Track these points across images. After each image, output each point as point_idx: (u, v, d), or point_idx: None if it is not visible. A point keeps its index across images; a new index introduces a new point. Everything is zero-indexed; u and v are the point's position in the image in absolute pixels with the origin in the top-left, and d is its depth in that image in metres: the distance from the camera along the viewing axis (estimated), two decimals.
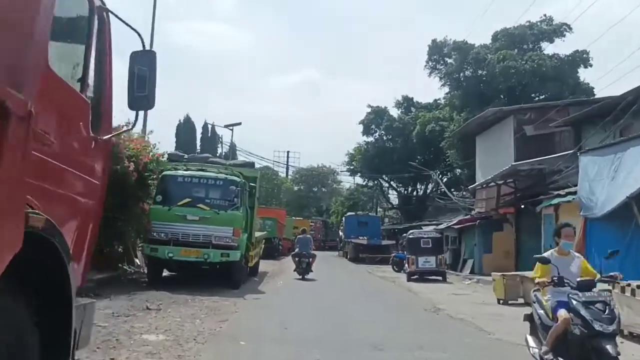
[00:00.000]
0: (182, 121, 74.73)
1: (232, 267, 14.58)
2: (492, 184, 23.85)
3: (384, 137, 45.17)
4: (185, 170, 15.08)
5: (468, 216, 28.88)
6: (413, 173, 40.89)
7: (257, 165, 78.58)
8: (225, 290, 14.21)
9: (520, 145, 23.67)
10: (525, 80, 30.58)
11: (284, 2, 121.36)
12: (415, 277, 21.08)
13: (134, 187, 14.14)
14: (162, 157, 16.17)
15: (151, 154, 15.36)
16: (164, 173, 14.87)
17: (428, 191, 47.01)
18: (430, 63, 35.73)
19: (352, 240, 37.72)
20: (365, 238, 38.12)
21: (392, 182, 46.39)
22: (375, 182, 48.06)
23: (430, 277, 21.28)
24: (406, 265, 21.47)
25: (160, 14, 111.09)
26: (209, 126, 73.79)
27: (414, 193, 48.25)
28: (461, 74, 33.93)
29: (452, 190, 36.47)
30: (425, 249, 21.09)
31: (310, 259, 20.35)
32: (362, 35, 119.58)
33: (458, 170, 36.36)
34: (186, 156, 16.11)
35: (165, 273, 15.93)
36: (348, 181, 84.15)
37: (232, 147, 74.42)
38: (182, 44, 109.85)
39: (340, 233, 48.61)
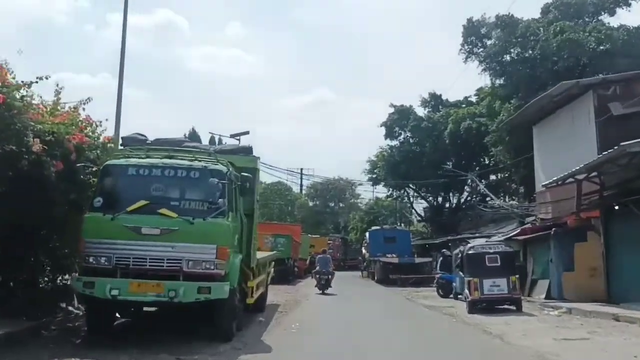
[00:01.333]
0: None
1: (217, 309, 9.15)
2: (568, 181, 18.22)
3: (410, 140, 39.70)
4: (142, 158, 9.70)
5: (528, 225, 23.21)
6: (447, 178, 35.29)
7: (269, 181, 73.18)
8: (208, 347, 8.84)
9: (605, 129, 18.07)
10: (588, 57, 25.01)
11: (292, 24, 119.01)
12: (480, 306, 15.45)
13: (57, 184, 8.86)
14: (111, 143, 10.88)
15: (92, 134, 10.07)
16: (107, 163, 9.51)
17: (462, 200, 41.25)
18: (465, 47, 30.30)
19: (379, 259, 32.06)
20: (394, 256, 32.49)
21: (421, 191, 40.62)
22: (402, 191, 42.40)
23: (500, 307, 15.63)
24: (466, 290, 15.79)
25: (174, 39, 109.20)
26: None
27: (446, 203, 42.50)
28: (505, 57, 28.45)
29: (500, 196, 30.76)
30: (492, 269, 15.44)
31: (330, 276, 23.40)
32: (376, 53, 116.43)
33: (505, 172, 30.63)
34: (150, 140, 10.80)
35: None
36: (367, 193, 78.46)
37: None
38: (195, 69, 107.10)
39: (363, 251, 42.88)
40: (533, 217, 24.75)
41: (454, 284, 20.41)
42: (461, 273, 17.16)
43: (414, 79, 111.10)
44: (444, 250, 25.46)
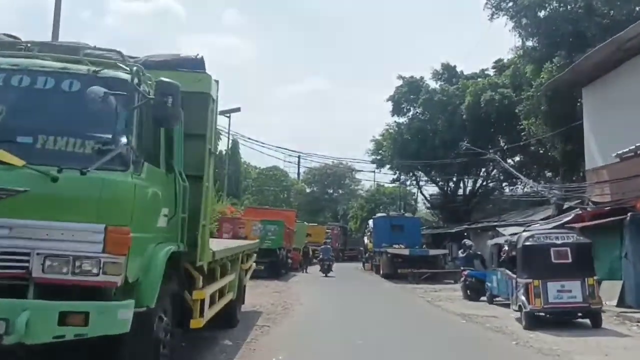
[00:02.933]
0: None
1: (115, 352, 4.61)
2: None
3: (421, 116, 35.02)
4: None
5: (575, 210, 18.72)
6: (464, 157, 30.71)
7: (264, 165, 68.62)
8: None
9: None
10: None
11: (290, 12, 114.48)
12: (541, 318, 11.00)
13: None
14: None
15: None
16: None
17: (477, 185, 36.69)
18: (491, 1, 25.54)
19: (385, 250, 27.55)
20: (403, 246, 28.05)
21: (431, 174, 35.90)
22: (410, 174, 37.71)
23: (567, 319, 11.16)
24: (521, 297, 11.23)
25: (172, 27, 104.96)
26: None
27: (459, 189, 37.93)
28: (540, 12, 23.78)
29: (529, 176, 26.14)
30: (561, 267, 10.91)
31: (331, 262, 28.85)
32: (373, 42, 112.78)
33: (540, 147, 26.04)
34: (28, 44, 6.14)
35: None
36: (368, 180, 73.72)
37: (235, 143, 65.14)
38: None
39: (366, 241, 38.37)
40: (576, 201, 20.26)
41: (488, 284, 15.92)
42: (508, 272, 12.59)
43: (420, 62, 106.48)
44: (466, 240, 20.95)
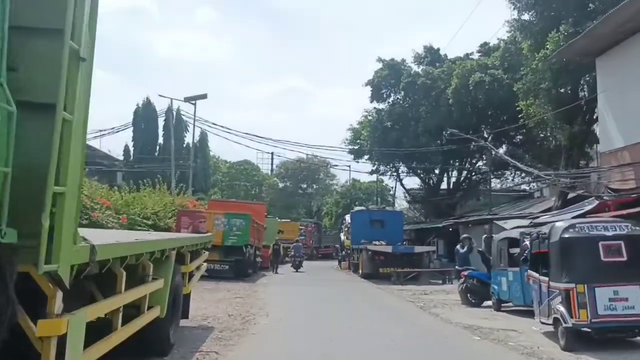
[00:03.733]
0: (140, 106, 61.16)
1: None
2: None
3: (403, 102, 32.24)
4: None
5: (590, 199, 16.10)
6: (453, 146, 28.05)
7: (235, 159, 65.46)
8: None
9: None
10: None
11: (265, 11, 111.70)
12: (586, 334, 8.23)
13: None
14: None
15: None
16: None
17: (462, 177, 34.14)
18: None
19: (365, 247, 24.71)
20: (384, 243, 25.28)
21: (414, 165, 33.10)
22: (390, 166, 34.86)
23: (626, 338, 8.42)
24: (559, 307, 8.41)
25: (142, 24, 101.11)
26: (174, 112, 60.58)
27: (444, 181, 35.30)
28: None
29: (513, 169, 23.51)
30: (613, 267, 8.16)
31: (301, 259, 30.28)
32: (347, 42, 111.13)
33: (540, 131, 23.45)
34: None
35: None
36: (344, 175, 70.88)
37: (203, 135, 61.50)
38: (164, 54, 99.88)
39: (342, 237, 35.55)
40: (581, 191, 17.68)
41: (494, 287, 13.14)
42: (534, 274, 9.75)
43: (401, 48, 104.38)
44: (465, 235, 18.19)
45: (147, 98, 59.79)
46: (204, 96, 41.48)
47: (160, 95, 34.55)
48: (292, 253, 30.78)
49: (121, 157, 57.63)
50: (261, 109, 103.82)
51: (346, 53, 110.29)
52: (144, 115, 60.05)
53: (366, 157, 34.93)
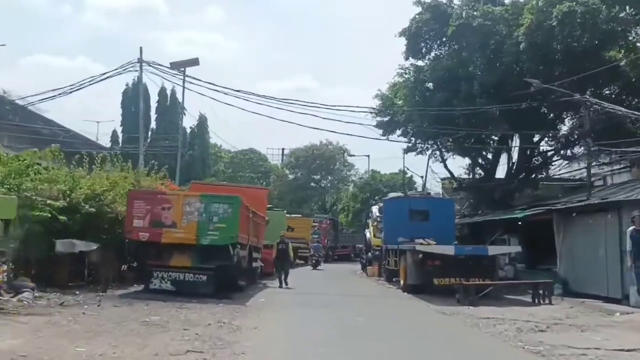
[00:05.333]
0: (130, 85, 53.81)
1: None
2: None
3: (451, 56, 24.30)
4: None
5: None
6: (533, 103, 20.20)
7: (234, 148, 58.05)
8: None
9: None
10: None
11: (273, 9, 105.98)
12: None
13: None
14: None
15: None
16: None
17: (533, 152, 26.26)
18: None
19: (412, 247, 17.02)
20: (432, 241, 17.64)
21: (464, 142, 24.87)
22: (431, 143, 26.78)
23: None
24: None
25: (151, 24, 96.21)
26: (167, 91, 53.14)
27: (498, 163, 27.34)
28: None
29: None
30: None
31: (320, 258, 31.86)
32: (358, 41, 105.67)
33: None
34: None
35: None
36: (362, 164, 62.52)
37: (202, 120, 54.00)
38: (173, 54, 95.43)
39: (368, 235, 27.91)
40: None
41: None
42: None
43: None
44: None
45: (137, 77, 52.32)
46: (194, 62, 33.92)
47: (141, 61, 27.37)
48: (311, 252, 31.85)
49: (108, 144, 49.92)
50: (270, 108, 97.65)
51: (354, 51, 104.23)
52: (134, 97, 52.64)
53: (399, 131, 27.07)
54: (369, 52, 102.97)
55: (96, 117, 79.79)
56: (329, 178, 54.02)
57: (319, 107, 20.50)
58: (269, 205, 32.70)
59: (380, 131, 27.50)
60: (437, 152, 26.96)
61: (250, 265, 17.36)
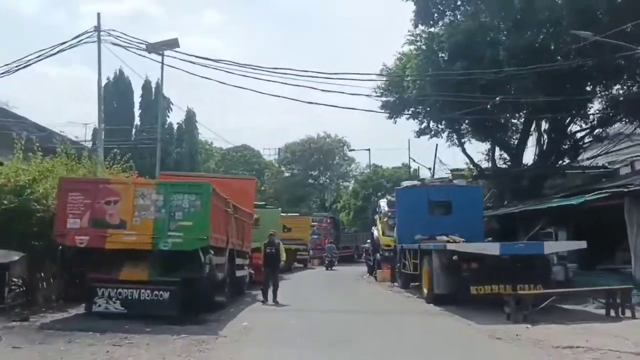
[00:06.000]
0: (111, 80, 49.97)
1: None
2: None
3: (469, 18, 20.54)
4: None
5: None
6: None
7: (228, 144, 53.97)
8: None
9: None
10: None
11: (268, 11, 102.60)
12: None
13: None
14: None
15: None
16: None
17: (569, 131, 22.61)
18: None
19: (442, 246, 13.33)
20: (459, 239, 14.05)
21: (487, 122, 20.94)
22: (447, 124, 22.85)
23: None
24: None
25: (145, 28, 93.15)
26: (152, 85, 49.29)
27: (524, 146, 23.53)
28: None
29: None
30: None
31: (334, 259, 32.34)
32: (355, 42, 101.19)
33: None
34: None
35: None
36: (362, 158, 58.20)
37: (190, 115, 50.24)
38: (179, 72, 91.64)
39: (375, 233, 24.16)
40: None
41: None
42: None
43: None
44: None
45: (119, 70, 48.59)
46: (174, 43, 30.04)
47: (115, 44, 24.16)
48: (326, 254, 32.65)
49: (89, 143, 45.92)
50: (270, 111, 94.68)
51: (352, 53, 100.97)
52: (116, 92, 48.85)
53: (408, 112, 23.32)
54: (369, 53, 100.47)
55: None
56: (328, 174, 50.21)
57: (315, 77, 16.33)
58: (262, 203, 28.98)
59: (386, 113, 23.76)
60: (454, 135, 23.13)
61: (233, 274, 13.62)
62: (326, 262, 32.13)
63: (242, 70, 17.15)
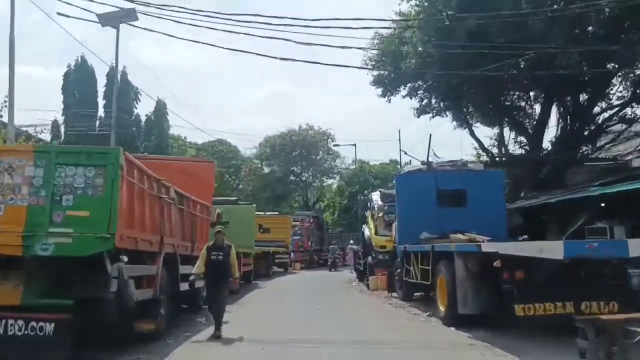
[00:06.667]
0: (72, 67, 45.50)
1: None
2: None
3: None
4: None
5: None
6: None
7: (205, 139, 50.49)
8: None
9: None
10: None
11: (251, 10, 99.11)
12: None
13: None
14: None
15: None
16: None
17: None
18: None
19: (449, 249, 9.63)
20: (480, 237, 10.28)
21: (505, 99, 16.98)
22: (452, 102, 18.92)
23: None
24: None
25: (123, 31, 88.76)
26: (119, 72, 44.86)
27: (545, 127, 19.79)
28: None
29: None
30: None
31: (337, 259, 32.59)
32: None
33: None
34: None
35: None
36: (348, 152, 54.09)
37: (160, 106, 46.01)
38: (148, 62, 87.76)
39: (367, 232, 20.34)
40: None
41: None
42: None
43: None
44: None
45: (81, 57, 44.01)
46: (130, 14, 25.86)
47: (60, 14, 20.44)
48: (330, 254, 32.38)
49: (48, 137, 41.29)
50: (249, 115, 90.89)
51: (331, 56, 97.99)
52: (77, 80, 44.38)
53: (405, 87, 19.56)
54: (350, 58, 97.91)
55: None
56: (311, 170, 46.28)
57: (293, 26, 12.37)
58: (234, 198, 25.16)
59: (379, 91, 20.01)
60: (461, 114, 19.35)
61: (175, 288, 9.66)
62: (329, 262, 32.01)
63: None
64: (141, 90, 45.47)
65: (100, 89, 45.52)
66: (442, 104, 19.10)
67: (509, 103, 17.59)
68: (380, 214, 16.31)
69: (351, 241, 31.58)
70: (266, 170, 46.08)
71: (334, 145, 46.03)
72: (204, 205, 12.04)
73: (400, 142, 38.10)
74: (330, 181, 48.12)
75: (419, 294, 13.53)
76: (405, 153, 33.87)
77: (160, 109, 44.51)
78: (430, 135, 24.32)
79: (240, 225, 20.02)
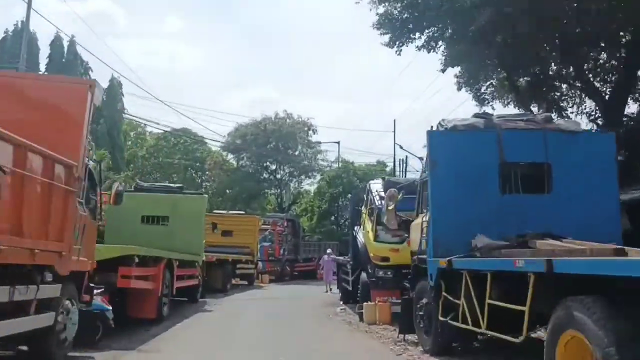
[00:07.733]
0: (10, 32, 38.73)
1: None
2: None
3: None
4: None
5: None
6: None
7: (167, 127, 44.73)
8: None
9: None
10: None
11: (232, 18, 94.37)
12: None
13: None
14: None
15: None
16: None
17: None
18: None
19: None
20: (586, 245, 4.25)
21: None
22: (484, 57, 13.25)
23: None
24: None
25: (109, 31, 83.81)
26: (64, 38, 38.19)
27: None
28: None
29: None
30: None
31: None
32: (318, 52, 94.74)
33: None
34: None
35: None
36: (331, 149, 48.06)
37: (114, 83, 39.29)
38: (136, 63, 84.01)
39: (359, 237, 14.31)
40: None
41: None
42: None
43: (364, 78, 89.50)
44: None
45: (21, 21, 37.08)
46: None
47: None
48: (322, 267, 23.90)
49: None
50: (236, 119, 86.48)
51: (315, 63, 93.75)
52: (15, 48, 37.31)
53: (423, 35, 13.72)
54: (335, 65, 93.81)
55: None
56: (287, 167, 40.13)
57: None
58: (177, 185, 19.12)
59: (385, 39, 14.14)
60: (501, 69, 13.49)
61: None
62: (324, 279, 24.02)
63: None
64: (93, 65, 38.98)
65: (43, 60, 39.23)
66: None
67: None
68: (391, 206, 10.25)
69: (328, 250, 25.12)
70: (235, 164, 39.79)
71: (315, 142, 40.25)
72: (55, 159, 5.88)
73: (394, 134, 32.20)
74: (309, 182, 42.04)
75: (467, 346, 7.57)
76: (401, 147, 28.11)
77: (114, 88, 38.05)
78: (432, 126, 18.75)
79: (185, 222, 14.28)
